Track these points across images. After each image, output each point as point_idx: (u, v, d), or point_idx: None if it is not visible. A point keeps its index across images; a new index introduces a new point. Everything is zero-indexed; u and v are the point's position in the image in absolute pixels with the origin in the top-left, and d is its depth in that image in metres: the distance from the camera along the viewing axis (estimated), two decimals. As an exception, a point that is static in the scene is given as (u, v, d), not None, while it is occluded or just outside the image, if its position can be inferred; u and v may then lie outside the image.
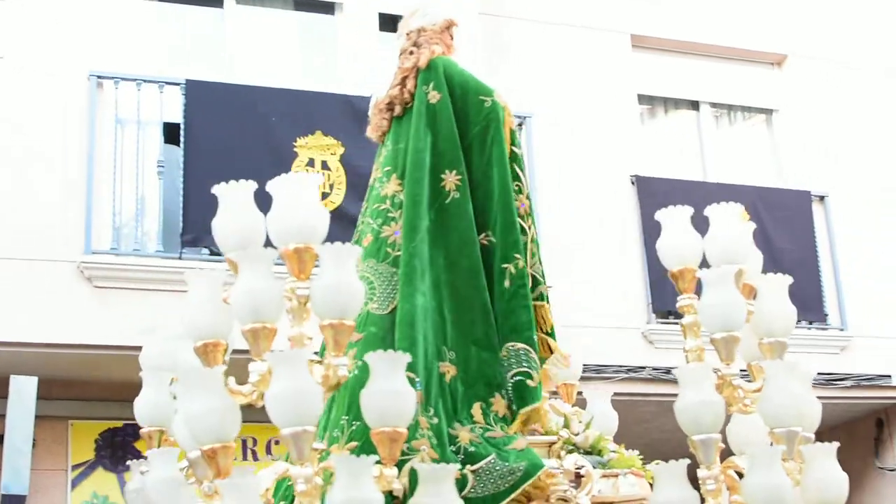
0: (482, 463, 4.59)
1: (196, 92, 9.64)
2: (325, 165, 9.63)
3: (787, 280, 4.51)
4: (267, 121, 9.68)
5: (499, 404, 4.92)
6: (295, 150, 9.60)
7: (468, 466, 4.48)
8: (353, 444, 4.33)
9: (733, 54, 12.87)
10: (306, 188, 4.02)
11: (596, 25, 12.13)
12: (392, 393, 3.71)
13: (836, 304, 12.28)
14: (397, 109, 5.37)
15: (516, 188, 5.29)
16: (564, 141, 11.50)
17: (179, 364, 4.41)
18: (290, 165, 9.52)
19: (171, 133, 9.80)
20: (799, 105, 13.02)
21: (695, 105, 12.83)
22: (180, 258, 9.35)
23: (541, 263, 5.39)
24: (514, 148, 5.40)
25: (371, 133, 5.55)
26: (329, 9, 11.25)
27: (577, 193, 11.43)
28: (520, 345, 5.01)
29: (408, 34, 5.50)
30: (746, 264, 4.54)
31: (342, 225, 9.51)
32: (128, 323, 8.90)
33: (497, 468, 4.57)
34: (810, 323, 11.96)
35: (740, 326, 4.36)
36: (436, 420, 4.66)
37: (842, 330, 12.18)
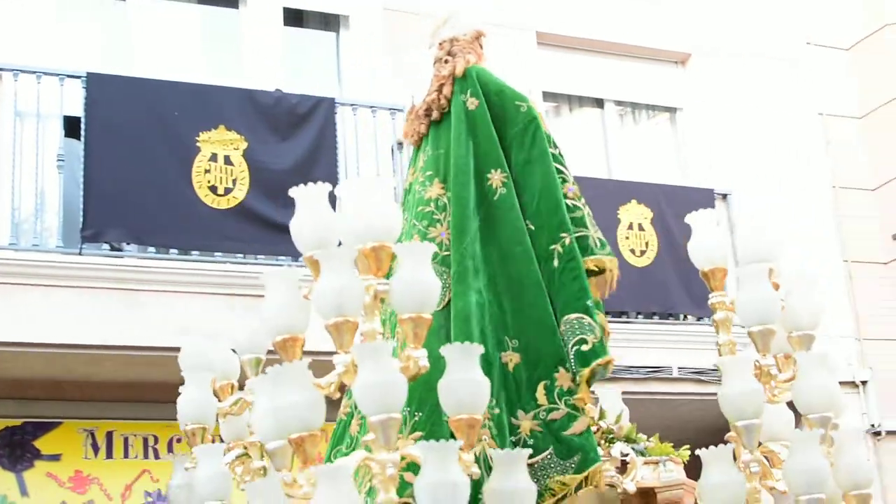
0: (539, 458, 4.85)
1: (97, 85, 9.50)
2: (227, 160, 9.54)
3: (815, 278, 4.82)
4: (170, 115, 9.57)
5: (563, 378, 5.10)
6: (198, 144, 9.50)
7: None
8: (418, 433, 4.44)
9: (638, 52, 12.95)
10: (380, 190, 4.20)
11: (501, 22, 12.12)
12: (468, 382, 3.95)
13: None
14: (435, 115, 5.66)
15: (561, 179, 5.49)
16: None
17: (215, 363, 4.91)
18: (193, 160, 9.44)
19: (71, 126, 9.64)
20: (702, 103, 13.12)
21: (599, 103, 12.90)
22: (80, 254, 9.20)
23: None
24: (552, 149, 5.59)
25: (407, 137, 5.86)
26: (233, 3, 11.17)
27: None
28: (573, 315, 5.21)
29: (440, 43, 5.83)
30: (775, 262, 4.82)
31: (246, 220, 9.50)
32: (28, 319, 8.77)
33: (553, 464, 4.86)
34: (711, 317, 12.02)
35: (775, 320, 4.68)
36: (497, 410, 4.90)
37: (743, 326, 12.25)
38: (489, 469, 4.12)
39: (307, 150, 9.86)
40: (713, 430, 12.19)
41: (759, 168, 13.08)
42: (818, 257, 13.12)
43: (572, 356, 5.15)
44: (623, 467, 5.16)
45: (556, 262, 5.29)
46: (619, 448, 5.22)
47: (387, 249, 4.12)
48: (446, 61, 5.77)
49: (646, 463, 5.21)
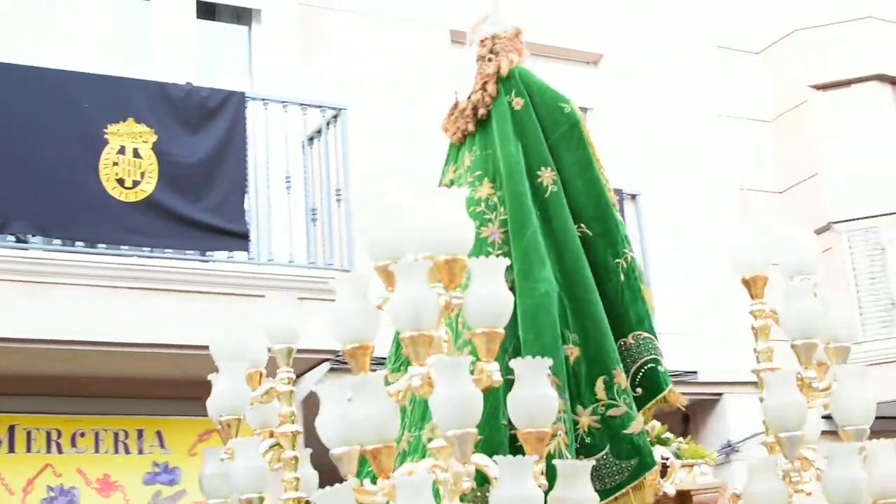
0: (595, 459, 4.76)
1: (3, 75, 9.37)
2: (136, 153, 9.44)
3: (850, 291, 4.75)
4: (78, 106, 9.46)
5: (619, 377, 5.15)
6: (106, 136, 9.40)
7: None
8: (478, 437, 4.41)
9: (550, 52, 12.96)
10: (454, 201, 4.22)
11: (415, 19, 12.15)
12: (538, 396, 3.94)
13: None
14: (482, 112, 5.70)
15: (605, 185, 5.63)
16: (380, 134, 11.49)
17: (249, 354, 4.89)
18: (101, 152, 9.33)
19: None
20: (614, 104, 13.20)
21: (512, 101, 12.90)
22: (-15, 246, 9.10)
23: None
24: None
25: (449, 134, 5.90)
26: (146, -6, 11.09)
27: (392, 188, 11.42)
28: (644, 334, 5.35)
29: (482, 41, 5.87)
30: (817, 275, 4.93)
31: (154, 214, 9.43)
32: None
33: (607, 466, 4.93)
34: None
35: (819, 334, 4.73)
36: (567, 404, 4.96)
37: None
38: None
39: (217, 144, 9.79)
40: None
41: (668, 169, 13.19)
42: (723, 260, 13.24)
43: (643, 371, 5.29)
44: (664, 470, 5.26)
45: (622, 277, 5.42)
46: (660, 451, 5.28)
47: (460, 262, 4.13)
48: (489, 59, 5.81)
49: (682, 466, 5.38)
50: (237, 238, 9.74)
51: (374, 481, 3.99)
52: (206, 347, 9.10)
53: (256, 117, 10.13)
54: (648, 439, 5.30)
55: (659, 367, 5.33)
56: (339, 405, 4.08)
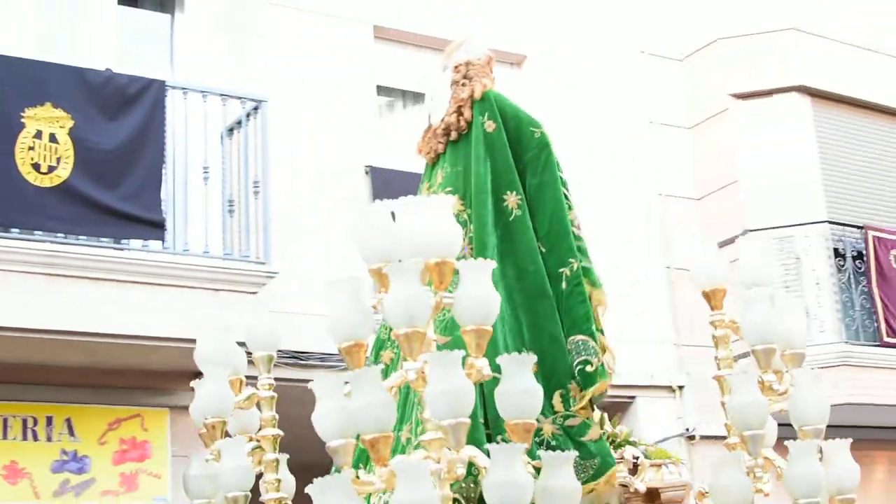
0: None
1: None
2: (52, 138, 9.36)
3: (803, 301, 5.47)
4: (-4, 89, 9.39)
5: (574, 390, 5.50)
6: (23, 120, 9.32)
7: None
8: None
9: (473, 52, 12.99)
10: (443, 209, 4.52)
11: (339, 14, 12.14)
12: (525, 390, 4.26)
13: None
14: (453, 135, 5.98)
15: (567, 206, 5.94)
16: (301, 127, 11.48)
17: (231, 358, 5.26)
18: (17, 136, 9.25)
19: None
20: (536, 105, 13.18)
21: (433, 99, 12.90)
22: None
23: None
24: (559, 174, 6.02)
25: (423, 154, 6.18)
26: (67, -22, 11.00)
27: (311, 181, 11.44)
28: (580, 336, 5.62)
29: (456, 67, 6.15)
30: (770, 288, 5.31)
31: (69, 199, 9.35)
32: None
33: (576, 465, 4.94)
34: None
35: (776, 340, 5.12)
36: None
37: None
38: None
39: (135, 131, 9.74)
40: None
41: (589, 173, 13.25)
42: (642, 262, 13.37)
43: (576, 374, 5.56)
44: (634, 469, 5.56)
45: (564, 285, 5.70)
46: (630, 451, 5.59)
47: (449, 265, 4.41)
48: (463, 84, 6.07)
49: (651, 465, 5.63)
50: (152, 227, 9.69)
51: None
52: (119, 336, 9.07)
53: (176, 106, 10.08)
54: (619, 440, 5.71)
55: (587, 367, 5.57)
56: (335, 399, 4.33)
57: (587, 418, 5.51)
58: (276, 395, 5.30)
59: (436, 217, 4.46)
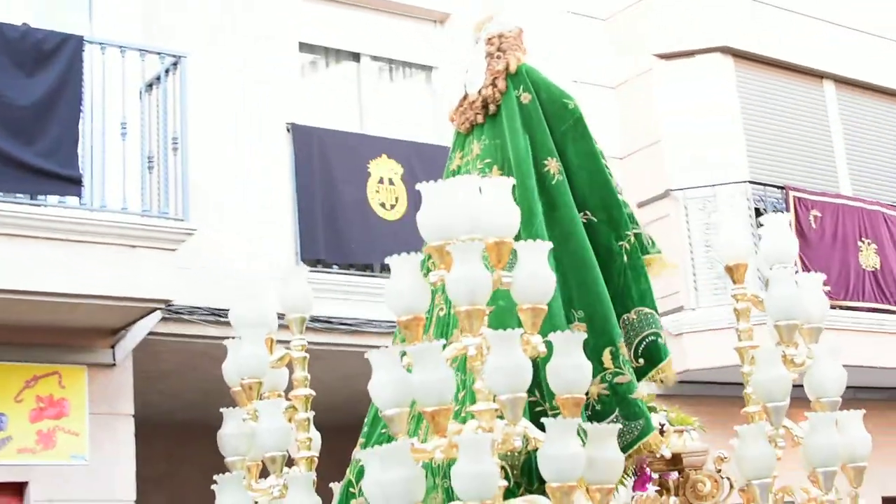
0: (607, 420, 5.28)
1: None
2: (-32, 94, 9.27)
3: (822, 277, 5.62)
4: None
5: (623, 348, 5.56)
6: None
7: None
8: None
9: (397, 9, 12.97)
10: (504, 190, 4.79)
11: (261, -29, 12.05)
12: (574, 366, 4.48)
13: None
14: (492, 108, 6.12)
15: (609, 174, 6.10)
16: (221, 84, 11.41)
17: (270, 322, 5.51)
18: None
19: None
20: (459, 63, 13.19)
21: (356, 57, 12.87)
22: None
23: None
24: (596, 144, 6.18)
25: (457, 123, 6.27)
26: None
27: (231, 138, 11.38)
28: (646, 309, 5.82)
29: (489, 39, 6.29)
30: (792, 264, 5.62)
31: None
32: None
33: (622, 424, 5.25)
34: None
35: (799, 316, 5.37)
36: None
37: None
38: None
39: (52, 87, 9.62)
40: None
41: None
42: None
43: (645, 343, 5.76)
44: (660, 434, 5.60)
45: (625, 258, 5.87)
46: (657, 418, 5.64)
47: (508, 245, 4.68)
48: (498, 57, 6.21)
49: (674, 431, 5.78)
50: (70, 183, 9.59)
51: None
52: (35, 293, 8.98)
53: (94, 62, 9.97)
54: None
55: (659, 340, 5.80)
56: (392, 370, 4.48)
57: (634, 379, 5.60)
58: (307, 355, 5.55)
59: (496, 197, 4.74)
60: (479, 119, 6.17)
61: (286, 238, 11.38)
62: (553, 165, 5.91)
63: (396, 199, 11.85)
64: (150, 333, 10.29)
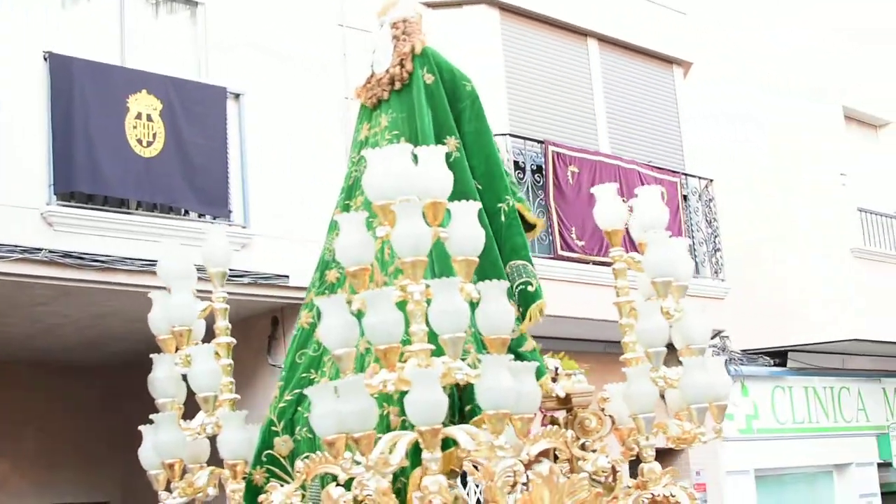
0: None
1: None
2: None
3: (687, 242, 6.39)
4: None
5: (513, 308, 5.82)
6: None
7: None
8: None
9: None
10: (438, 157, 5.48)
11: None
12: (501, 311, 5.19)
13: (241, 202, 12.40)
14: (397, 85, 6.81)
15: (496, 149, 6.93)
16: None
17: (191, 272, 6.20)
18: None
19: None
20: (225, 0, 12.97)
21: (120, -11, 12.49)
22: None
23: None
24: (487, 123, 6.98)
25: (364, 99, 6.96)
26: None
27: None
28: (518, 261, 6.54)
29: (394, 24, 6.90)
30: (663, 229, 6.24)
31: None
32: None
33: None
34: (214, 218, 12.04)
35: (672, 275, 6.09)
36: (473, 330, 5.68)
37: (244, 227, 12.32)
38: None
39: None
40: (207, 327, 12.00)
41: (276, 73, 13.10)
42: (323, 165, 13.31)
43: (517, 293, 6.42)
44: (554, 378, 6.38)
45: (503, 218, 6.63)
46: (552, 362, 6.47)
47: (443, 205, 5.39)
48: (403, 39, 6.84)
49: (565, 374, 6.45)
50: None
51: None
52: None
53: None
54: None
55: (528, 287, 6.49)
56: (340, 315, 5.13)
57: (523, 332, 6.36)
58: (228, 306, 6.32)
59: (433, 163, 5.43)
60: (385, 95, 6.85)
61: (38, 169, 11.00)
62: (452, 143, 6.60)
63: (154, 135, 11.57)
64: None
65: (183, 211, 11.96)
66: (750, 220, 18.63)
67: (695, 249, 15.93)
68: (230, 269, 10.98)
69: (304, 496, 5.62)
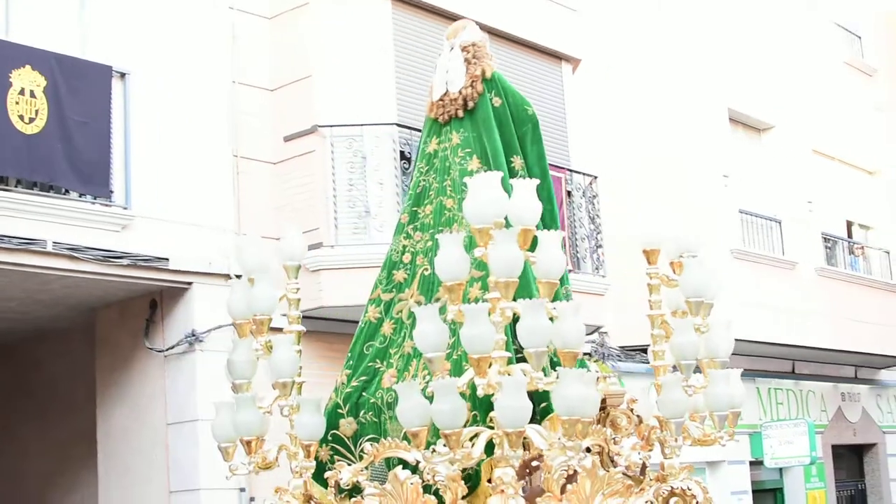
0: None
1: None
2: None
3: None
4: None
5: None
6: None
7: None
8: None
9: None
10: (530, 190, 6.02)
11: None
12: (574, 329, 5.71)
13: (123, 183, 12.27)
14: (470, 104, 7.20)
15: None
16: None
17: (270, 265, 6.53)
18: None
19: None
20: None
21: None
22: None
23: None
24: None
25: (436, 114, 7.27)
26: None
27: None
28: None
29: (464, 47, 7.32)
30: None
31: None
32: None
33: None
34: (95, 198, 11.92)
35: (706, 295, 6.58)
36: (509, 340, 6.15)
37: (125, 208, 12.20)
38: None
39: None
40: (85, 308, 12.08)
41: (163, 53, 12.98)
42: (208, 148, 13.23)
43: None
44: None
45: None
46: (593, 368, 6.69)
47: (531, 232, 5.91)
48: (473, 63, 7.26)
49: (601, 378, 6.61)
50: None
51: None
52: None
53: None
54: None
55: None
56: (435, 323, 5.61)
57: None
58: (301, 297, 6.68)
59: (526, 195, 5.97)
60: (459, 114, 7.23)
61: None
62: (518, 163, 7.14)
63: (37, 111, 11.41)
64: None
65: (63, 190, 11.80)
66: (633, 218, 18.78)
67: (577, 245, 16.05)
68: (106, 250, 10.90)
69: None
